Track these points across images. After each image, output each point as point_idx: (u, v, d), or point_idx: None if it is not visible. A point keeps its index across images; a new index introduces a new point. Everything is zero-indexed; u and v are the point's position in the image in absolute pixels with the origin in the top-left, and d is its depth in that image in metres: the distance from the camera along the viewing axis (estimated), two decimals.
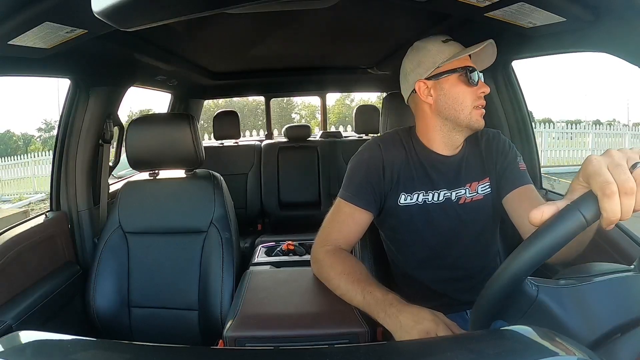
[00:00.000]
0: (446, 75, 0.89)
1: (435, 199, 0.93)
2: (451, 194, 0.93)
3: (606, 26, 0.79)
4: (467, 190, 0.94)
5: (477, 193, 0.94)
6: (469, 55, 0.91)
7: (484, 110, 0.90)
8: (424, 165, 0.94)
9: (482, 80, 0.91)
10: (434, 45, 0.91)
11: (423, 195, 0.93)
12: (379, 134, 2.02)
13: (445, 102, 0.90)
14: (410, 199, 0.93)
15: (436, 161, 0.94)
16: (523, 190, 0.90)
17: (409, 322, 0.69)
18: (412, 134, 0.98)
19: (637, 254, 0.86)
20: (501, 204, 0.93)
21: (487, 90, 0.89)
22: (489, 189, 0.95)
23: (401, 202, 0.93)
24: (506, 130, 1.41)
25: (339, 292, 0.81)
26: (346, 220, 0.92)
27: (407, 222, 0.94)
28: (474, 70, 0.88)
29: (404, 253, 1.00)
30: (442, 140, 0.94)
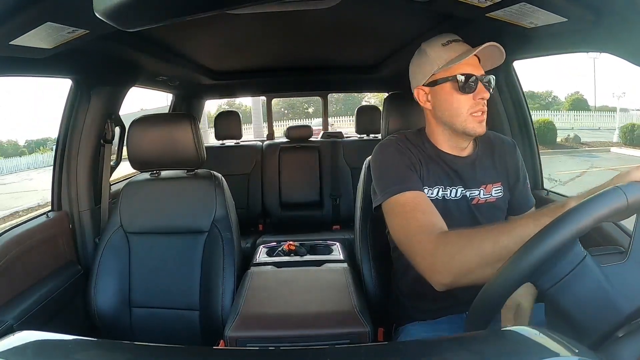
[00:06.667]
0: (441, 83, 0.88)
1: (453, 195, 0.93)
2: (467, 192, 0.93)
3: (607, 26, 0.79)
4: (481, 191, 0.94)
5: (491, 195, 0.94)
6: (477, 57, 0.88)
7: (484, 117, 0.89)
8: (439, 163, 0.94)
9: (490, 82, 0.89)
10: (433, 49, 0.90)
11: (442, 191, 0.92)
12: (379, 135, 2.02)
13: (441, 110, 0.90)
14: (431, 193, 0.92)
15: (449, 160, 0.94)
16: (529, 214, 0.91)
17: None
18: (422, 135, 0.98)
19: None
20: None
21: (487, 95, 0.88)
22: (501, 193, 0.95)
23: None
24: (507, 130, 1.41)
25: (488, 249, 0.65)
26: (418, 206, 0.82)
27: None
28: (470, 76, 0.86)
29: None
30: (447, 142, 0.94)
